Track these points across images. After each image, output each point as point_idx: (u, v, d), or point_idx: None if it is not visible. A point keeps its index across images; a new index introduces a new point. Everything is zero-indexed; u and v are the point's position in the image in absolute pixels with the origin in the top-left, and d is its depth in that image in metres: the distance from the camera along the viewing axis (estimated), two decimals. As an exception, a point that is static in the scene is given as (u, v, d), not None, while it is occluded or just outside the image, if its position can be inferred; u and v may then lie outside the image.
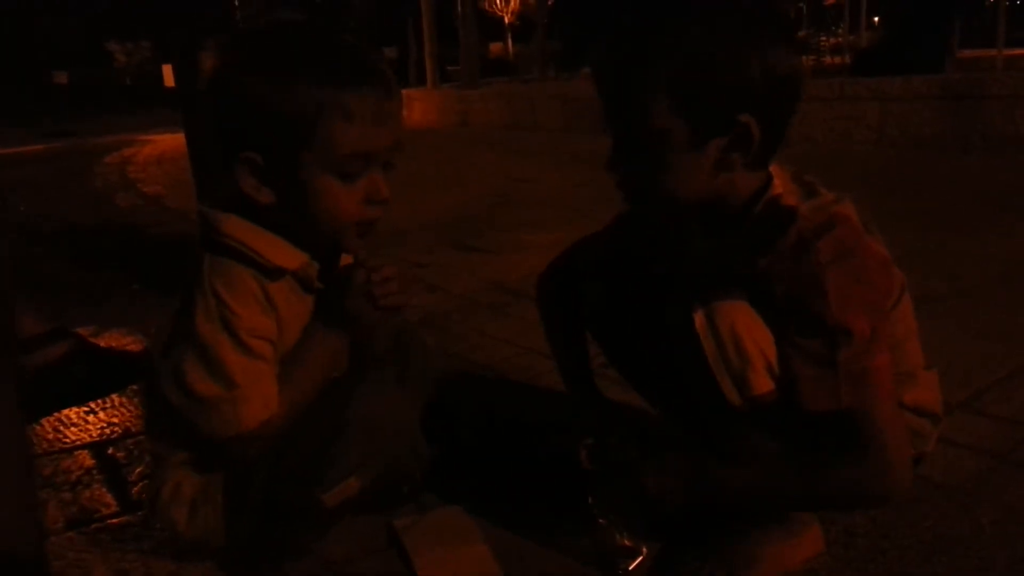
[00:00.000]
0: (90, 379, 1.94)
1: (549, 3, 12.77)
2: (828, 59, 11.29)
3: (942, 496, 1.29)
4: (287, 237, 1.08)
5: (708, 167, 1.04)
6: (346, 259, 1.15)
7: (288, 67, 1.01)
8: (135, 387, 1.97)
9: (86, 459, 1.61)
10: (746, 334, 1.03)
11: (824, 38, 12.33)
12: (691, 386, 1.09)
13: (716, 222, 1.09)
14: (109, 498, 1.45)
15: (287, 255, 1.07)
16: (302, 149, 1.01)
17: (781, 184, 1.07)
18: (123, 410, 1.85)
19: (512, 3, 27.21)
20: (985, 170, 4.33)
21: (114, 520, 1.37)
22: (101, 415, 1.83)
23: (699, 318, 1.05)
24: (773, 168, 1.09)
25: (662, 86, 0.99)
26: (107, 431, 1.74)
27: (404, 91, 1.11)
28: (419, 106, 10.34)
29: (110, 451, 1.65)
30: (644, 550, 1.16)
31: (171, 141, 8.67)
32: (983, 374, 1.73)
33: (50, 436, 1.73)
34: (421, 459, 1.33)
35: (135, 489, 1.47)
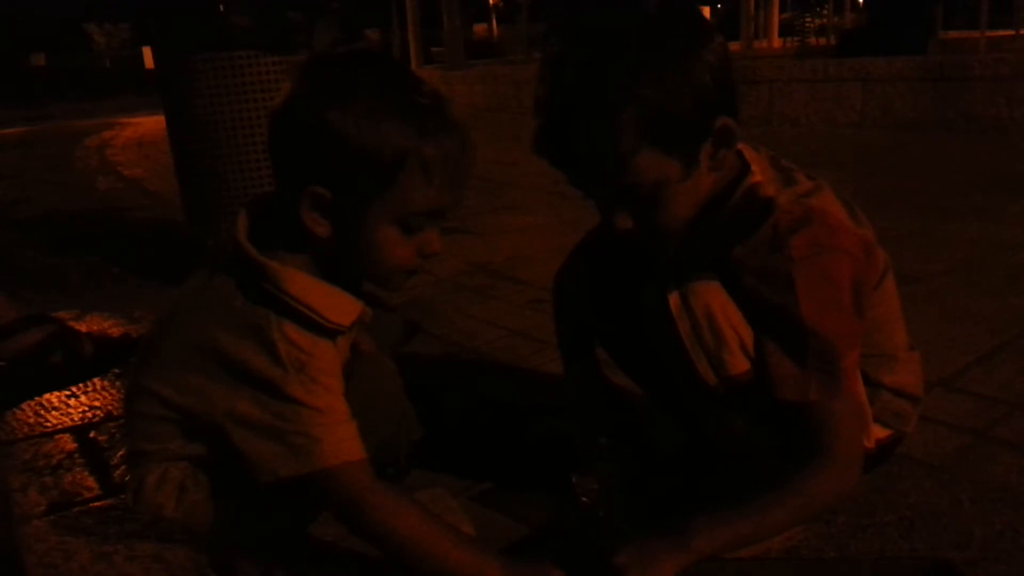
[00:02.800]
0: (70, 363, 1.92)
1: (533, -16, 12.70)
2: (813, 40, 11.28)
3: (922, 473, 1.30)
4: (329, 267, 1.05)
5: (704, 176, 1.03)
6: None
7: (383, 112, 0.96)
8: (116, 371, 1.95)
9: (67, 443, 1.60)
10: (720, 315, 1.03)
11: (809, 19, 12.31)
12: (671, 369, 1.10)
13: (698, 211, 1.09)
14: (91, 481, 1.44)
15: (344, 309, 1.04)
16: (375, 196, 0.98)
17: (759, 171, 1.06)
18: (104, 393, 1.84)
19: (496, -16, 27.00)
20: (966, 152, 4.35)
21: (96, 503, 1.37)
22: (82, 399, 1.82)
23: (674, 299, 1.05)
24: (751, 154, 1.08)
25: (642, 141, 0.96)
26: (88, 415, 1.73)
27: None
28: (403, 88, 10.24)
29: (92, 434, 1.64)
30: (626, 529, 1.16)
31: (151, 124, 8.59)
32: (963, 353, 1.75)
33: (31, 420, 1.72)
34: (412, 435, 1.33)
35: (117, 472, 1.46)
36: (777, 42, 11.83)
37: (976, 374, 1.66)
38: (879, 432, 1.17)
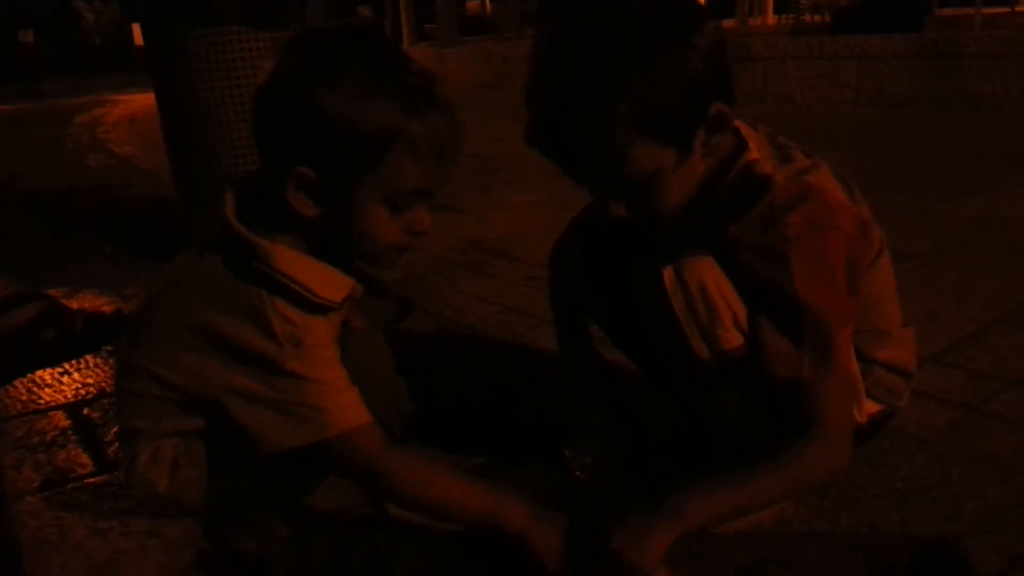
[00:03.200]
0: (62, 340, 1.92)
1: (527, -41, 12.58)
2: (808, 17, 11.22)
3: (914, 447, 1.31)
4: (319, 246, 1.04)
5: (699, 162, 1.03)
6: None
7: (368, 91, 0.95)
8: (108, 348, 1.95)
9: (61, 420, 1.60)
10: (714, 290, 1.03)
11: (804, -4, 12.25)
12: (665, 345, 1.10)
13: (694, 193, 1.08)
14: (85, 458, 1.44)
15: (335, 286, 1.04)
16: (362, 176, 0.98)
17: (756, 148, 1.06)
18: (97, 371, 1.84)
19: (490, -40, 26.69)
20: (962, 130, 4.35)
21: (91, 480, 1.37)
22: (75, 376, 1.81)
23: (668, 274, 1.05)
24: (748, 131, 1.08)
25: (636, 133, 0.96)
26: (82, 392, 1.73)
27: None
28: (396, 66, 10.15)
29: (85, 411, 1.63)
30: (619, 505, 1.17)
31: (142, 101, 8.52)
32: (956, 329, 1.75)
33: (24, 397, 1.72)
34: (403, 411, 1.33)
35: (111, 449, 1.46)
36: (772, 19, 11.74)
37: (968, 350, 1.66)
38: (871, 407, 1.18)
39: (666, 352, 1.12)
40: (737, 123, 1.07)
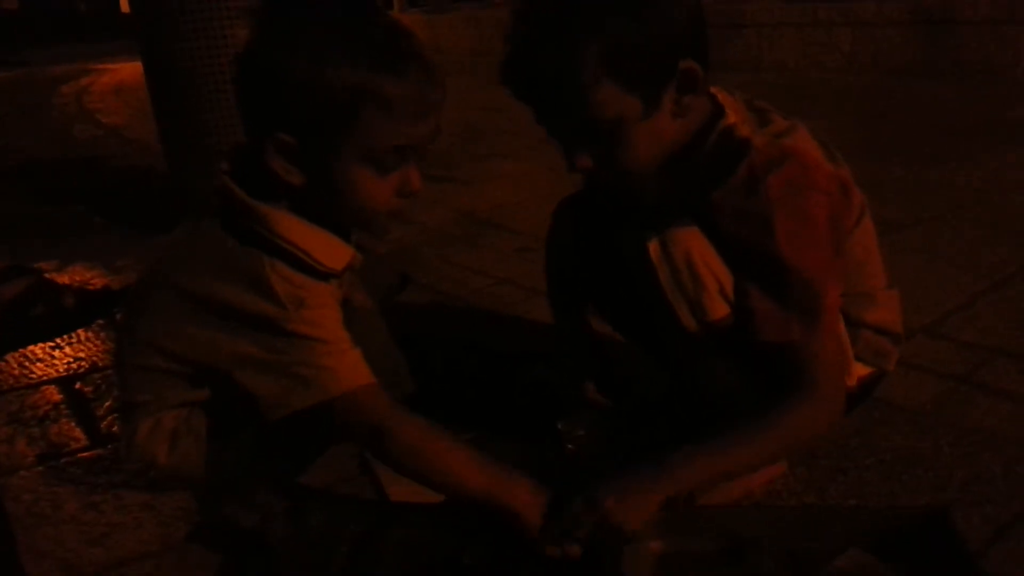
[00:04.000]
0: (52, 315, 1.91)
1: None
2: (802, -16, 11.13)
3: (903, 418, 1.32)
4: (314, 215, 1.04)
5: (667, 120, 1.02)
6: None
7: (331, 51, 0.94)
8: (100, 322, 1.94)
9: (53, 394, 1.60)
10: (699, 260, 1.03)
11: (798, -38, 12.13)
12: (654, 317, 1.10)
13: (672, 157, 1.08)
14: (78, 432, 1.44)
15: (336, 253, 1.04)
16: (339, 138, 0.97)
17: (734, 114, 1.05)
18: (89, 345, 1.83)
19: (481, -76, 26.25)
20: (955, 98, 4.32)
21: (84, 454, 1.37)
22: (67, 350, 1.81)
23: (653, 246, 1.05)
24: (725, 97, 1.07)
25: (603, 73, 0.95)
26: (74, 366, 1.73)
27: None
28: (386, 33, 10.00)
29: (77, 386, 1.63)
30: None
31: (129, 70, 8.40)
32: (947, 299, 1.76)
33: (16, 372, 1.71)
34: (404, 389, 1.33)
35: (104, 423, 1.47)
36: (766, -15, 11.65)
37: (960, 320, 1.67)
38: (860, 370, 1.18)
39: (658, 323, 1.12)
40: (714, 90, 1.07)
